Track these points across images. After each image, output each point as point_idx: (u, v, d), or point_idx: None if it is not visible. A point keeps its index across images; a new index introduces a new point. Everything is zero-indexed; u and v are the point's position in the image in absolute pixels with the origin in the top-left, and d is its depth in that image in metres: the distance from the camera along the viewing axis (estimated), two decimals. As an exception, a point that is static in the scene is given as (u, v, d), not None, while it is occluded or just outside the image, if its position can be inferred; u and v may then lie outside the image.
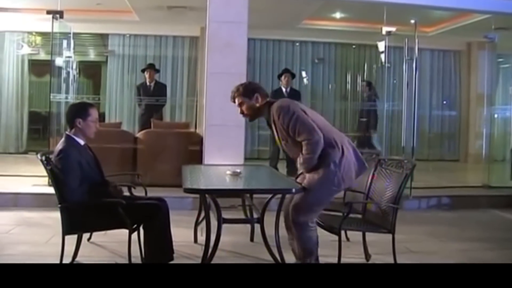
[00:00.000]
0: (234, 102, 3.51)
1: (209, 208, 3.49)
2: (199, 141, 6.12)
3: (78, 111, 3.40)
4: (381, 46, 7.36)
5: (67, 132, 3.42)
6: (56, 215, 3.33)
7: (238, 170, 3.89)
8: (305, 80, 10.31)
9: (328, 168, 3.25)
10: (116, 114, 9.75)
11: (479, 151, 8.84)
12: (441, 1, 6.80)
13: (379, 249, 3.79)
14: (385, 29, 6.75)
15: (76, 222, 3.25)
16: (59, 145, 3.32)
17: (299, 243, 3.35)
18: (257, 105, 3.46)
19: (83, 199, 3.23)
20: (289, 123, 3.26)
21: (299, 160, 3.35)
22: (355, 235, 4.01)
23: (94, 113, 3.41)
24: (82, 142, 3.42)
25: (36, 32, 9.51)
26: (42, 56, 9.51)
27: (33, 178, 6.21)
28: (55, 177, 3.24)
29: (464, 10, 7.45)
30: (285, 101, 3.47)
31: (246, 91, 3.47)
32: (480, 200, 6.27)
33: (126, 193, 3.69)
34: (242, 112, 3.52)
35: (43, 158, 3.27)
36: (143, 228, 3.39)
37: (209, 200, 3.51)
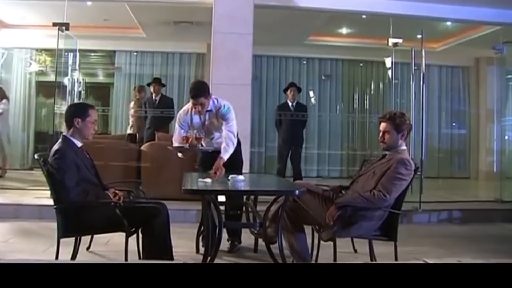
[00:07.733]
0: (379, 123, 3.41)
1: (210, 213, 3.37)
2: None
3: (77, 111, 3.35)
4: (388, 62, 7.29)
5: (64, 133, 3.35)
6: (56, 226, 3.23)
7: (242, 177, 3.78)
8: (312, 99, 10.24)
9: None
10: (122, 129, 9.64)
11: (490, 167, 8.71)
12: (448, 13, 6.72)
13: (387, 260, 3.63)
14: (391, 41, 6.67)
15: (71, 224, 3.14)
16: (56, 146, 3.24)
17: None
18: (399, 141, 3.35)
19: (79, 200, 3.13)
20: (395, 173, 3.20)
21: (358, 191, 3.34)
22: (362, 247, 3.88)
23: (93, 114, 3.35)
24: (79, 144, 3.33)
25: (44, 49, 9.55)
26: (51, 77, 9.48)
27: (36, 191, 6.16)
28: (51, 177, 3.15)
29: (471, 22, 7.35)
30: (412, 164, 3.31)
31: (398, 124, 3.33)
32: (493, 214, 6.07)
33: (126, 199, 3.58)
34: (382, 138, 3.38)
35: (41, 159, 3.20)
36: (142, 232, 3.28)
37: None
